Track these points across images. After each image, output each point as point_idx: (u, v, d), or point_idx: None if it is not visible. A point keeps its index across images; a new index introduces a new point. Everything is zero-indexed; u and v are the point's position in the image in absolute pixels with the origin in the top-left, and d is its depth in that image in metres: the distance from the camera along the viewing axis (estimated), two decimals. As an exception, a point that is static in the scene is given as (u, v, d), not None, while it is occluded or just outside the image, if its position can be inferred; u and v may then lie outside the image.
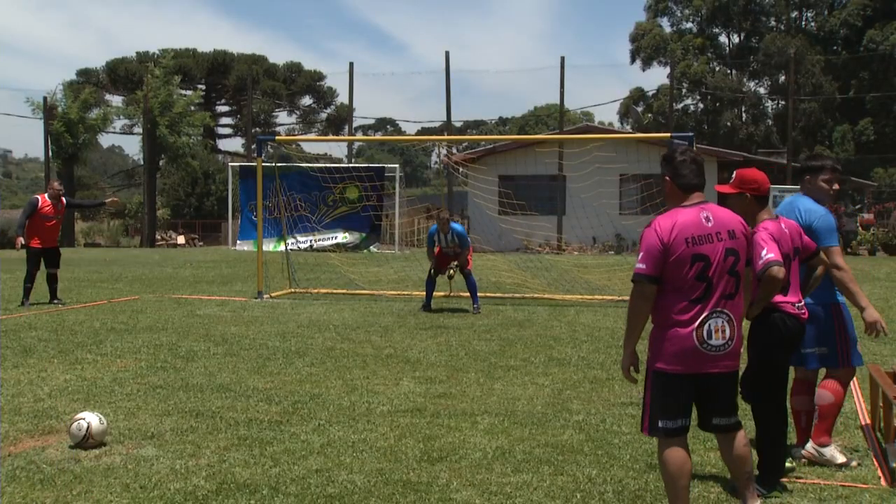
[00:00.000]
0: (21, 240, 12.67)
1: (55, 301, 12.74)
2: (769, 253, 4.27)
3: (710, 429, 4.00)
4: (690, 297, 3.76)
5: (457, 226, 12.51)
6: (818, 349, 5.00)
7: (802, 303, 4.61)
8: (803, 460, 5.02)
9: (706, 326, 3.76)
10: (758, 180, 4.57)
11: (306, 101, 60.74)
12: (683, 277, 3.76)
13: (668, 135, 14.39)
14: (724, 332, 3.79)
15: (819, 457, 4.96)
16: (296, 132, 58.80)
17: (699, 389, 3.85)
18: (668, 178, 3.98)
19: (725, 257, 3.80)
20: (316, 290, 14.80)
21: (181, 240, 38.59)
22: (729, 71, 55.76)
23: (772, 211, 4.64)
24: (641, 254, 3.82)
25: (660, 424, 3.83)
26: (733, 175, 4.66)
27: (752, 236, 4.35)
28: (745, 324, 4.64)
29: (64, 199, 13.07)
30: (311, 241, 26.78)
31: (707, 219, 3.84)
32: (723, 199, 4.69)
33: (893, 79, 46.90)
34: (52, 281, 12.79)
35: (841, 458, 4.94)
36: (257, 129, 51.07)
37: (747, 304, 4.17)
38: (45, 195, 12.83)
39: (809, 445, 5.02)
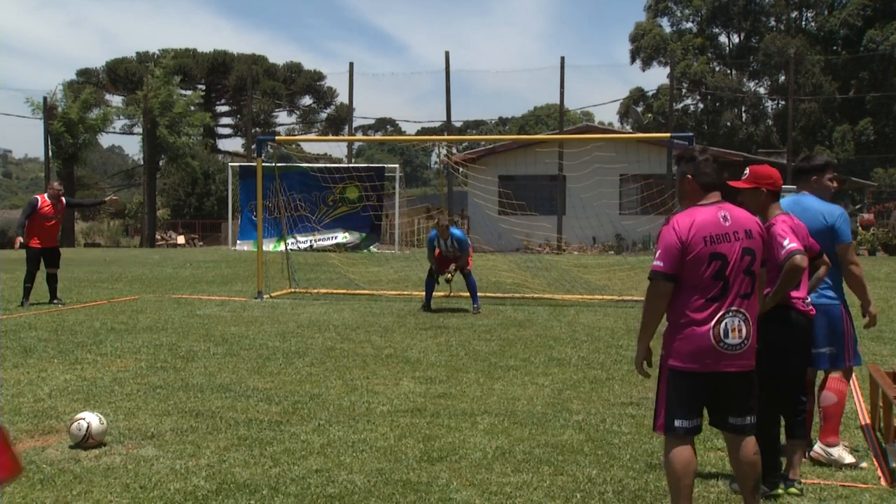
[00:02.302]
0: (20, 240, 12.67)
1: (55, 301, 12.74)
2: (791, 243, 4.30)
3: (725, 427, 3.93)
4: (707, 295, 3.76)
5: (456, 231, 12.52)
6: (829, 349, 5.02)
7: (809, 299, 4.63)
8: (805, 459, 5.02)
9: (723, 325, 3.74)
10: (773, 175, 4.64)
11: (306, 101, 60.78)
12: (701, 276, 3.75)
13: (668, 135, 14.38)
14: (740, 331, 3.77)
15: (827, 457, 4.95)
16: (296, 132, 58.80)
17: (715, 388, 3.82)
18: (690, 175, 3.96)
19: (742, 256, 3.80)
20: (316, 290, 14.80)
21: (181, 240, 38.60)
22: (729, 71, 55.76)
23: (781, 206, 4.66)
24: (659, 251, 3.81)
25: (676, 423, 3.80)
26: (746, 171, 4.69)
27: (770, 229, 4.35)
28: None
29: (64, 198, 13.07)
30: (311, 241, 26.77)
31: (725, 218, 3.84)
32: (733, 196, 4.69)
33: (893, 79, 46.91)
34: (52, 281, 12.80)
35: (849, 459, 4.93)
36: (257, 129, 51.03)
37: (762, 304, 4.12)
38: (45, 195, 12.83)
39: (818, 446, 5.01)
